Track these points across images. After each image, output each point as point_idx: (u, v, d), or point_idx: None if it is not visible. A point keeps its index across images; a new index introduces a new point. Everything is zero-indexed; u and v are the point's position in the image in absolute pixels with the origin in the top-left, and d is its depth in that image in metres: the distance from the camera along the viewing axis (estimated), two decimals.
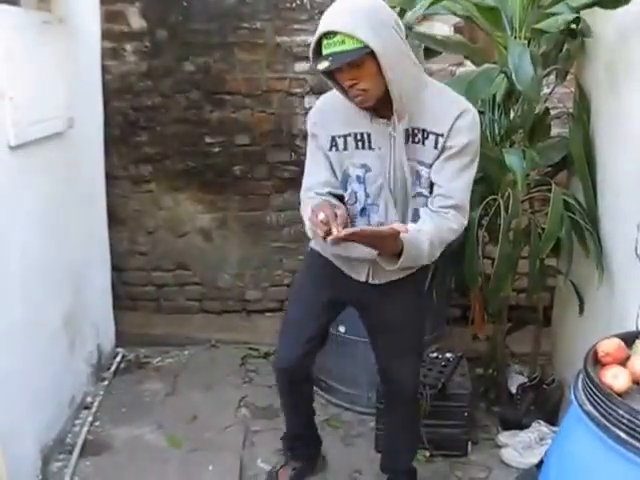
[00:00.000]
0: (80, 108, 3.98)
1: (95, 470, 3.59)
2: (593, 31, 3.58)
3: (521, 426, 3.92)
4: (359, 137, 2.79)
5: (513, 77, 3.20)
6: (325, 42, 2.52)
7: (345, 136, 2.81)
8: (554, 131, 4.18)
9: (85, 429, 3.87)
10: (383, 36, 2.50)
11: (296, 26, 4.89)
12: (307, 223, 2.71)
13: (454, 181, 2.75)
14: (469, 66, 4.52)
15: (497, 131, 3.73)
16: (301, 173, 4.90)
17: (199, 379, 4.56)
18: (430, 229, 2.68)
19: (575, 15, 3.36)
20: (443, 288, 4.03)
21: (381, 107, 2.68)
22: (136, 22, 4.91)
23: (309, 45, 4.83)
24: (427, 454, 3.68)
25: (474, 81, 3.28)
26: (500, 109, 3.71)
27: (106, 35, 4.69)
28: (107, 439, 3.86)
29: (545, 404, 4.01)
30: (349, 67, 2.53)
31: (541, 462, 3.48)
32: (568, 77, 3.90)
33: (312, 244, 3.15)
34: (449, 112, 2.68)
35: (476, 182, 3.76)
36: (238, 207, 5.23)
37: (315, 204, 2.68)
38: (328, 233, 2.46)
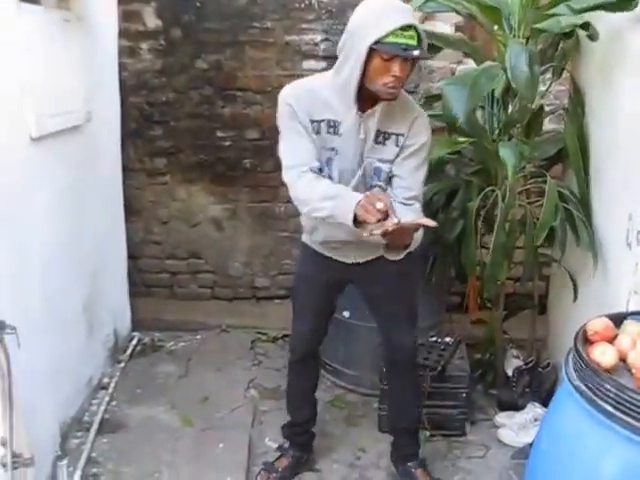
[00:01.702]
0: (98, 103, 4.01)
1: (111, 447, 3.64)
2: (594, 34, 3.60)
3: (517, 407, 3.95)
4: (331, 123, 2.84)
5: (509, 75, 3.22)
6: (399, 32, 2.54)
7: (320, 121, 2.84)
8: (550, 126, 4.20)
9: (102, 408, 3.91)
10: None
11: (304, 25, 4.91)
12: (324, 204, 2.74)
13: (414, 175, 2.89)
14: (469, 64, 4.54)
15: (495, 125, 3.75)
16: None
17: (210, 362, 4.60)
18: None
19: (584, 21, 3.39)
20: (443, 276, 4.06)
21: (363, 96, 2.74)
22: (151, 21, 4.94)
23: (317, 44, 4.88)
24: (427, 434, 3.69)
25: (477, 79, 3.28)
26: (499, 104, 3.73)
27: (123, 34, 4.71)
28: (123, 418, 3.90)
29: (540, 387, 4.03)
30: (407, 61, 2.62)
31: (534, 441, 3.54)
32: (563, 74, 3.91)
33: (303, 238, 3.26)
34: (408, 115, 2.85)
35: (475, 174, 3.82)
36: (248, 198, 5.25)
37: (372, 191, 2.76)
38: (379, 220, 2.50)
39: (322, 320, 3.35)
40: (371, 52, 2.58)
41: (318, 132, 2.85)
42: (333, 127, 2.84)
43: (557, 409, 2.26)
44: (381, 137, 2.84)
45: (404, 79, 2.67)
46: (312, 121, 2.84)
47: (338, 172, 2.88)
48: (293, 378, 3.53)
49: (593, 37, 3.46)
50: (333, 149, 2.86)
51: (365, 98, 2.74)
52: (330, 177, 2.87)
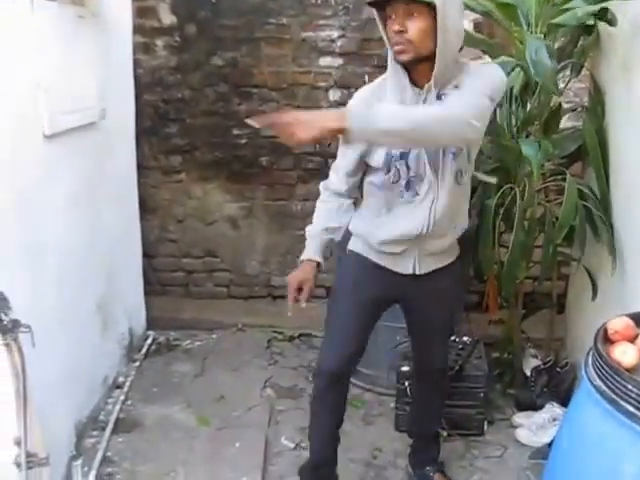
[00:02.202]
0: (113, 100, 4.01)
1: (126, 446, 3.64)
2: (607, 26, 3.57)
3: (535, 407, 3.93)
4: None
5: (531, 70, 3.20)
6: None
7: None
8: (568, 124, 4.17)
9: (117, 407, 3.92)
10: None
11: (321, 22, 4.90)
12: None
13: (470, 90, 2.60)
14: (487, 60, 4.52)
15: (514, 123, 3.73)
16: (325, 164, 4.96)
17: (226, 361, 4.61)
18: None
19: (600, 6, 3.36)
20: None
21: (416, 71, 2.61)
22: (167, 18, 4.95)
23: (333, 40, 4.88)
24: (445, 433, 3.68)
25: None
26: (517, 101, 3.71)
27: (138, 30, 4.73)
28: (138, 417, 3.91)
29: (558, 386, 4.02)
30: (404, 12, 2.47)
31: (553, 440, 3.52)
32: (583, 72, 3.89)
33: (350, 246, 3.02)
34: (464, 70, 2.62)
35: (493, 171, 3.79)
36: (264, 196, 5.25)
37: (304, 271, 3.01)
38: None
39: (361, 343, 3.04)
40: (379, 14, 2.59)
41: None
42: None
43: (577, 409, 2.24)
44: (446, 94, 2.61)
45: (413, 37, 2.48)
46: None
47: (413, 161, 2.70)
48: (318, 409, 3.17)
49: (612, 22, 3.43)
50: None
51: (420, 74, 2.61)
52: (407, 167, 2.70)
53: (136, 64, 4.70)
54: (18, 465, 2.36)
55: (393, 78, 2.69)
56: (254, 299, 5.47)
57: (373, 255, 2.95)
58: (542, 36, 3.45)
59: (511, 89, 3.65)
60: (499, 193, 3.66)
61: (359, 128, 2.28)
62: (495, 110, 3.69)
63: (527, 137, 3.64)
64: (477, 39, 4.00)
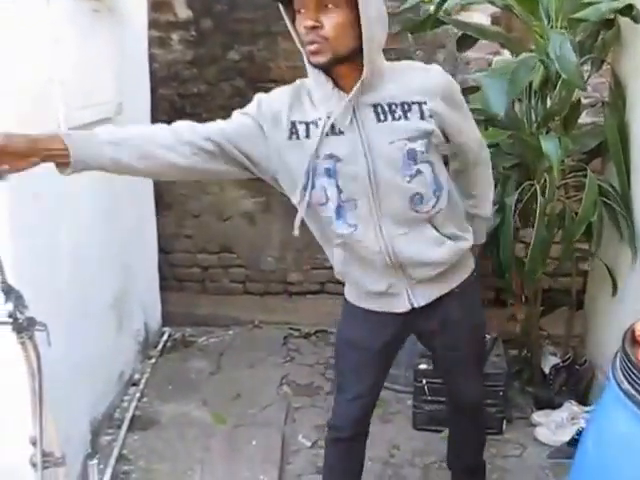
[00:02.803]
0: (128, 95, 3.99)
1: (142, 444, 3.64)
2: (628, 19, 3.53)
3: (554, 405, 3.90)
4: (315, 122, 2.31)
5: (556, 65, 3.14)
6: None
7: (308, 123, 2.32)
8: (588, 119, 4.13)
9: (133, 404, 3.92)
10: None
11: None
12: None
13: (469, 130, 2.51)
14: (505, 55, 4.49)
15: (533, 118, 3.69)
16: None
17: (242, 358, 4.60)
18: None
19: (626, 2, 3.32)
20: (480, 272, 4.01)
21: (339, 74, 2.26)
22: (182, 12, 4.92)
23: None
24: None
25: (516, 70, 3.20)
26: (537, 96, 3.67)
27: (153, 24, 4.72)
28: (154, 415, 3.91)
29: (577, 385, 4.00)
30: (317, 4, 2.10)
31: (572, 440, 3.50)
32: (603, 67, 3.85)
33: (345, 294, 2.71)
34: (419, 77, 2.33)
35: (512, 167, 3.76)
36: (281, 192, 5.19)
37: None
38: None
39: (376, 390, 2.82)
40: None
41: (307, 135, 2.33)
42: (319, 127, 2.29)
43: (603, 413, 2.20)
44: (399, 110, 2.27)
45: (330, 33, 2.12)
46: (294, 122, 2.35)
47: (347, 182, 2.31)
48: (334, 460, 2.91)
49: (637, 19, 3.39)
50: (331, 156, 2.30)
51: (344, 77, 2.26)
52: (339, 190, 2.31)
53: (152, 58, 4.69)
54: (34, 465, 2.34)
55: (315, 84, 2.32)
56: (270, 295, 5.45)
57: (364, 302, 2.62)
58: (564, 31, 3.41)
59: (530, 84, 3.62)
60: (519, 189, 3.63)
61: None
62: (513, 105, 3.68)
63: (547, 133, 3.60)
64: (495, 33, 3.99)
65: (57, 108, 2.99)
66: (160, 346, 4.67)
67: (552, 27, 3.44)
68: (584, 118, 3.96)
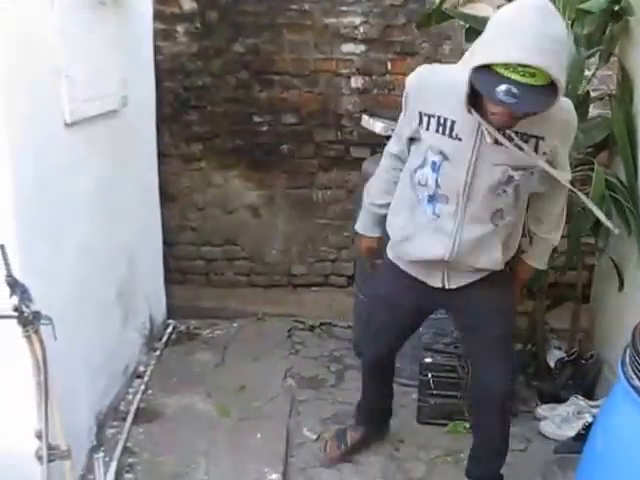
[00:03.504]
0: (133, 87, 3.97)
1: (147, 437, 3.61)
2: (636, 11, 3.50)
3: (559, 400, 3.89)
4: (442, 121, 2.57)
5: None
6: (516, 65, 2.17)
7: (430, 116, 2.60)
8: (594, 112, 4.11)
9: (138, 397, 3.89)
10: (565, 72, 2.28)
11: (343, 8, 4.84)
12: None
13: (565, 163, 2.72)
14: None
15: None
16: (346, 152, 4.95)
17: (247, 350, 4.57)
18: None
19: None
20: None
21: None
22: (187, 4, 4.90)
23: (356, 27, 4.83)
24: (467, 425, 3.63)
25: None
26: None
27: (158, 17, 4.69)
28: (159, 407, 3.88)
29: (583, 379, 3.99)
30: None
31: (578, 435, 3.48)
32: (611, 59, 3.82)
33: (388, 253, 3.04)
34: (547, 112, 2.35)
35: None
36: (285, 185, 5.21)
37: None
38: None
39: (400, 342, 3.28)
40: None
41: (428, 128, 2.63)
42: (443, 126, 2.58)
43: (613, 410, 2.19)
44: (517, 139, 2.48)
45: (517, 118, 2.37)
46: (421, 114, 2.64)
47: (447, 181, 2.63)
48: (366, 378, 3.50)
49: (627, 12, 3.39)
50: (441, 153, 2.60)
51: None
52: (437, 184, 2.64)
53: (157, 51, 4.67)
54: (39, 458, 2.35)
55: (457, 92, 2.44)
56: (274, 288, 5.43)
57: (403, 264, 2.95)
58: (570, 22, 3.39)
59: None
60: None
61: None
62: None
63: None
64: None
65: (62, 101, 2.97)
66: (165, 338, 4.64)
67: None
68: (591, 111, 3.93)
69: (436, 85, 2.62)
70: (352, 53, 4.89)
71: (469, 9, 4.40)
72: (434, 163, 2.62)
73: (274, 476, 3.30)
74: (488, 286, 2.84)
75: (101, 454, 2.68)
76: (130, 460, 3.42)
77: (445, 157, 2.59)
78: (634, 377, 2.04)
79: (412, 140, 2.77)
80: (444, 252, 2.72)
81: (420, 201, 2.74)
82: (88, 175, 3.34)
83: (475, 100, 2.42)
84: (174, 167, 5.14)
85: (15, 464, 2.56)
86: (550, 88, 2.21)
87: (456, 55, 4.78)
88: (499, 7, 4.55)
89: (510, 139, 2.47)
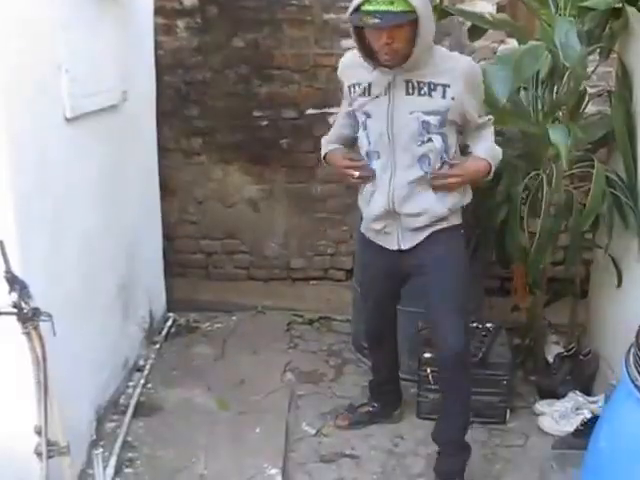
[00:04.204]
0: (134, 82, 3.94)
1: (147, 431, 3.57)
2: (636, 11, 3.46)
3: (557, 395, 3.84)
4: (361, 86, 2.93)
5: (560, 54, 3.09)
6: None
7: (355, 85, 2.96)
8: (593, 108, 4.07)
9: (138, 391, 3.85)
10: (426, 5, 2.68)
11: (343, 3, 4.76)
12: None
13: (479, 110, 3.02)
14: (510, 43, 4.44)
15: (540, 107, 3.63)
16: None
17: (246, 344, 4.53)
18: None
19: None
20: (485, 260, 3.97)
21: None
22: None
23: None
24: None
25: (521, 59, 3.16)
26: (544, 86, 3.61)
27: (159, 12, 4.66)
28: (158, 401, 3.84)
29: (581, 374, 3.94)
30: (390, 28, 2.64)
31: (577, 431, 3.44)
32: (610, 56, 3.78)
33: (361, 226, 3.27)
34: (450, 63, 2.85)
35: (519, 157, 3.71)
36: (284, 179, 5.18)
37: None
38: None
39: (391, 308, 3.48)
40: None
41: (353, 95, 2.99)
42: (364, 88, 2.93)
43: (617, 410, 2.15)
44: (425, 88, 2.83)
45: (399, 46, 2.70)
46: (349, 86, 3.01)
47: (374, 136, 2.96)
48: (371, 353, 3.77)
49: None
50: (365, 112, 2.95)
51: None
52: (368, 141, 2.98)
53: (157, 46, 4.64)
54: (39, 454, 2.33)
55: (361, 57, 2.88)
56: (273, 281, 5.41)
57: (369, 233, 3.21)
58: (571, 18, 3.34)
59: (537, 73, 3.56)
60: (526, 179, 3.58)
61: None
62: (519, 92, 3.64)
63: (554, 122, 3.54)
64: (502, 22, 3.93)
65: (63, 96, 2.92)
66: (165, 332, 4.60)
67: (560, 15, 3.38)
68: (589, 107, 3.90)
69: (350, 62, 3.05)
70: (352, 48, 4.83)
71: (468, 6, 4.38)
72: (363, 123, 2.98)
73: (273, 471, 3.26)
74: (437, 243, 3.05)
75: (100, 450, 2.65)
76: (130, 454, 3.37)
77: (369, 115, 2.94)
78: (639, 378, 2.00)
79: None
80: (384, 203, 2.99)
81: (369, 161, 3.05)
82: (88, 170, 3.30)
83: (371, 54, 2.83)
84: (174, 161, 5.11)
85: (14, 460, 2.53)
86: (412, 13, 2.60)
87: (456, 51, 4.76)
88: (497, 4, 4.59)
89: (419, 87, 2.83)
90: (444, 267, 3.08)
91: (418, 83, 2.82)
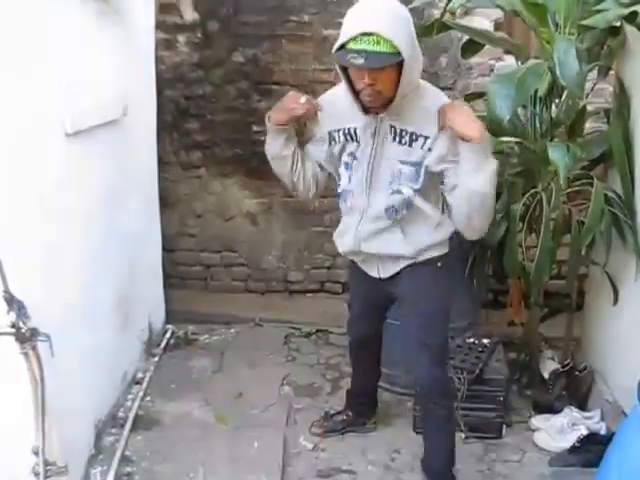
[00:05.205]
0: (134, 96, 3.89)
1: (145, 445, 3.52)
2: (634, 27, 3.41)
3: (553, 410, 3.79)
4: (347, 131, 2.85)
5: (557, 72, 3.04)
6: (360, 38, 2.48)
7: (338, 130, 2.88)
8: (590, 126, 4.03)
9: (136, 404, 3.79)
10: (412, 46, 2.56)
11: (342, 20, 4.72)
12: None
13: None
14: (507, 61, 4.40)
15: (538, 125, 3.58)
16: None
17: (244, 356, 4.48)
18: None
19: (631, 9, 3.18)
20: (481, 275, 3.91)
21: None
22: (189, 14, 4.83)
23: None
24: (462, 436, 3.56)
25: (524, 78, 3.09)
26: (542, 103, 3.56)
27: (159, 26, 4.62)
28: (157, 414, 3.79)
29: (577, 390, 3.89)
30: (374, 69, 2.53)
31: (573, 447, 3.39)
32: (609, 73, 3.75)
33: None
34: (433, 113, 2.71)
35: (517, 175, 3.66)
36: (283, 193, 5.09)
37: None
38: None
39: (377, 324, 3.46)
40: None
41: (338, 141, 2.90)
42: (350, 134, 2.85)
43: (629, 437, 2.08)
44: (407, 137, 2.76)
45: (382, 87, 2.60)
46: (330, 132, 2.91)
47: (356, 177, 2.89)
48: (352, 359, 3.67)
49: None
50: (351, 154, 2.89)
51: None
52: (349, 180, 2.92)
53: (158, 60, 4.58)
54: (36, 474, 2.28)
55: (348, 100, 2.75)
56: (271, 294, 5.38)
57: (350, 256, 3.20)
58: (571, 37, 3.29)
59: (536, 91, 3.50)
60: (525, 197, 3.53)
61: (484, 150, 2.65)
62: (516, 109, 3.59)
63: (552, 140, 3.49)
64: (500, 40, 3.90)
65: (63, 110, 2.87)
66: (163, 344, 4.54)
67: (560, 34, 3.33)
68: (588, 125, 3.86)
69: (330, 103, 2.92)
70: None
71: (466, 21, 4.33)
72: (347, 163, 2.91)
73: None
74: (417, 274, 2.99)
75: (98, 469, 2.61)
76: (128, 469, 3.32)
77: (354, 157, 2.88)
78: None
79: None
80: (351, 244, 3.01)
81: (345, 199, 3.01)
82: (89, 184, 3.25)
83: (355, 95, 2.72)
84: (173, 174, 5.08)
85: None
86: (397, 55, 2.48)
87: (452, 67, 4.72)
88: (496, 20, 4.54)
89: (400, 136, 2.75)
90: (421, 299, 3.03)
91: (401, 131, 2.75)
